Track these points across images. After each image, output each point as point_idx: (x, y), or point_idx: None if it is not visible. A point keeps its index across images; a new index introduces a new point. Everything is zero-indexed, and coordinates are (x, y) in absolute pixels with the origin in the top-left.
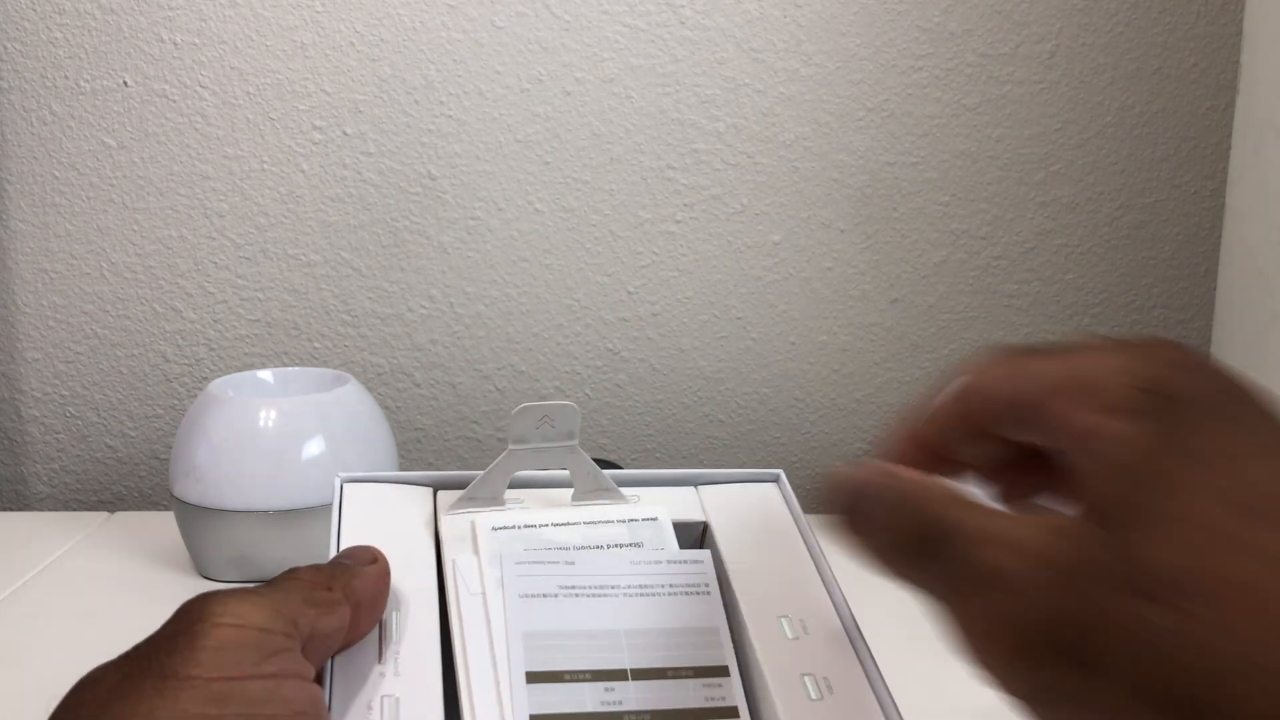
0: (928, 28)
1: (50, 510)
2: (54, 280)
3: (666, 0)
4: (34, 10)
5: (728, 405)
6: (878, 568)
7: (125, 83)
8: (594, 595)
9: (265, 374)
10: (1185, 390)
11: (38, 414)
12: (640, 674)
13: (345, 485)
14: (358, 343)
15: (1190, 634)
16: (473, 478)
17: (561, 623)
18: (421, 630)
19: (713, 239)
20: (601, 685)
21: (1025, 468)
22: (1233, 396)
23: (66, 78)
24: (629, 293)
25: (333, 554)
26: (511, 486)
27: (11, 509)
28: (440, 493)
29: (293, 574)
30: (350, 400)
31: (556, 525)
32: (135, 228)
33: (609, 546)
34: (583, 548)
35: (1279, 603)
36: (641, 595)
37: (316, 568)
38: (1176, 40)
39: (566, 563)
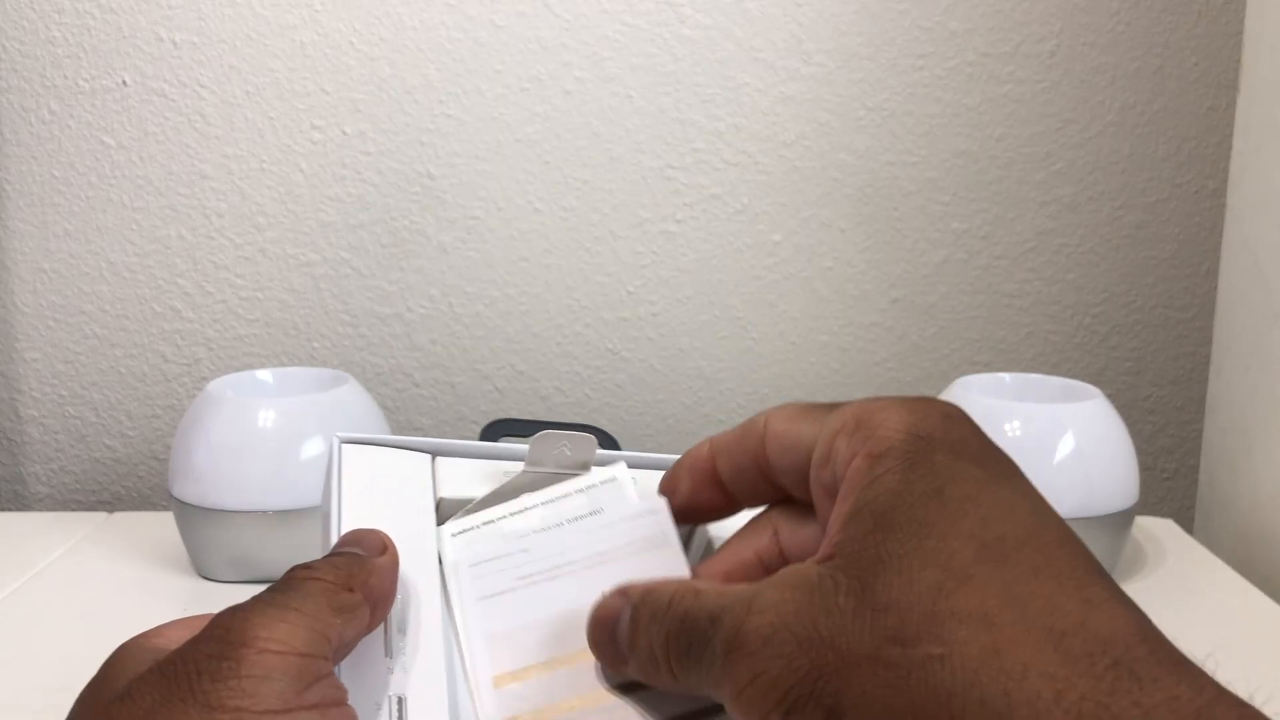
0: (928, 27)
1: (49, 510)
2: (53, 280)
3: None
4: (33, 10)
5: (728, 405)
6: (663, 685)
7: (124, 82)
8: (552, 578)
9: (264, 374)
10: (945, 438)
11: (37, 414)
12: None
13: (344, 447)
14: (357, 343)
15: (932, 674)
16: (469, 443)
17: (522, 616)
18: (425, 619)
19: (713, 239)
20: (563, 672)
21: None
22: (988, 449)
23: (65, 77)
24: (629, 293)
25: (333, 520)
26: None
27: (10, 509)
28: (439, 460)
29: (312, 573)
30: (349, 400)
31: (514, 514)
32: (134, 227)
33: (569, 522)
34: (542, 530)
35: (1015, 638)
36: (600, 563)
37: (334, 564)
38: (1177, 40)
39: (521, 551)
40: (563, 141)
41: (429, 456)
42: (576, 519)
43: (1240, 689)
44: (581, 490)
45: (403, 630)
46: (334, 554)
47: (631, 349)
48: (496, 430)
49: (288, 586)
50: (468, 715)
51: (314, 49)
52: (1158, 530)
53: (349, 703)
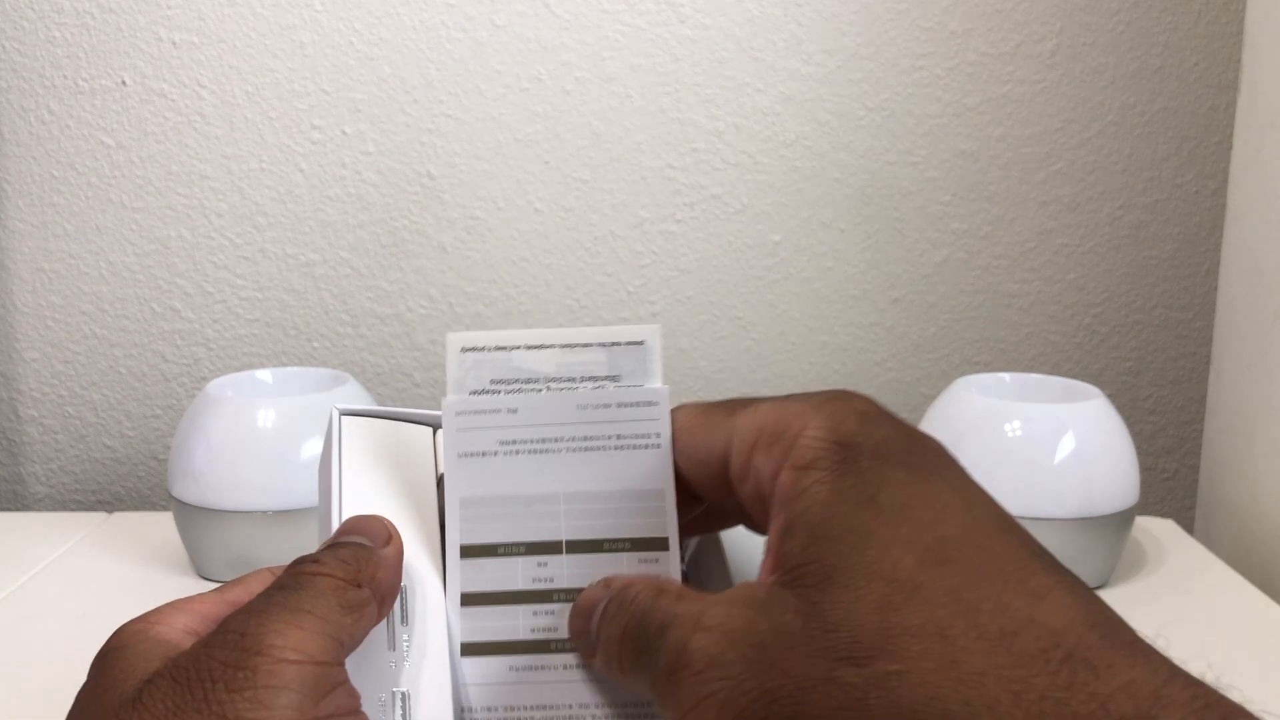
0: (928, 27)
1: (48, 510)
2: (52, 280)
3: None
4: (32, 9)
5: None
6: (620, 684)
7: (123, 82)
8: (535, 452)
9: (264, 374)
10: (868, 441)
11: (36, 414)
12: (575, 546)
13: (344, 419)
14: (357, 343)
15: (891, 691)
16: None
17: (499, 486)
18: (430, 609)
19: (713, 239)
20: (535, 560)
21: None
22: (913, 445)
23: (65, 77)
24: (629, 293)
25: (333, 497)
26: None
27: (10, 509)
28: (439, 432)
29: (320, 568)
30: (349, 400)
31: (529, 348)
32: (134, 227)
33: (581, 380)
34: (547, 382)
35: (969, 646)
36: (585, 449)
37: (341, 558)
38: (1178, 39)
39: (509, 411)
40: (563, 141)
41: (430, 429)
42: (584, 380)
43: (1240, 690)
44: (605, 344)
45: (406, 621)
46: (338, 544)
47: None
48: None
49: (297, 585)
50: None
51: (314, 49)
52: (1158, 530)
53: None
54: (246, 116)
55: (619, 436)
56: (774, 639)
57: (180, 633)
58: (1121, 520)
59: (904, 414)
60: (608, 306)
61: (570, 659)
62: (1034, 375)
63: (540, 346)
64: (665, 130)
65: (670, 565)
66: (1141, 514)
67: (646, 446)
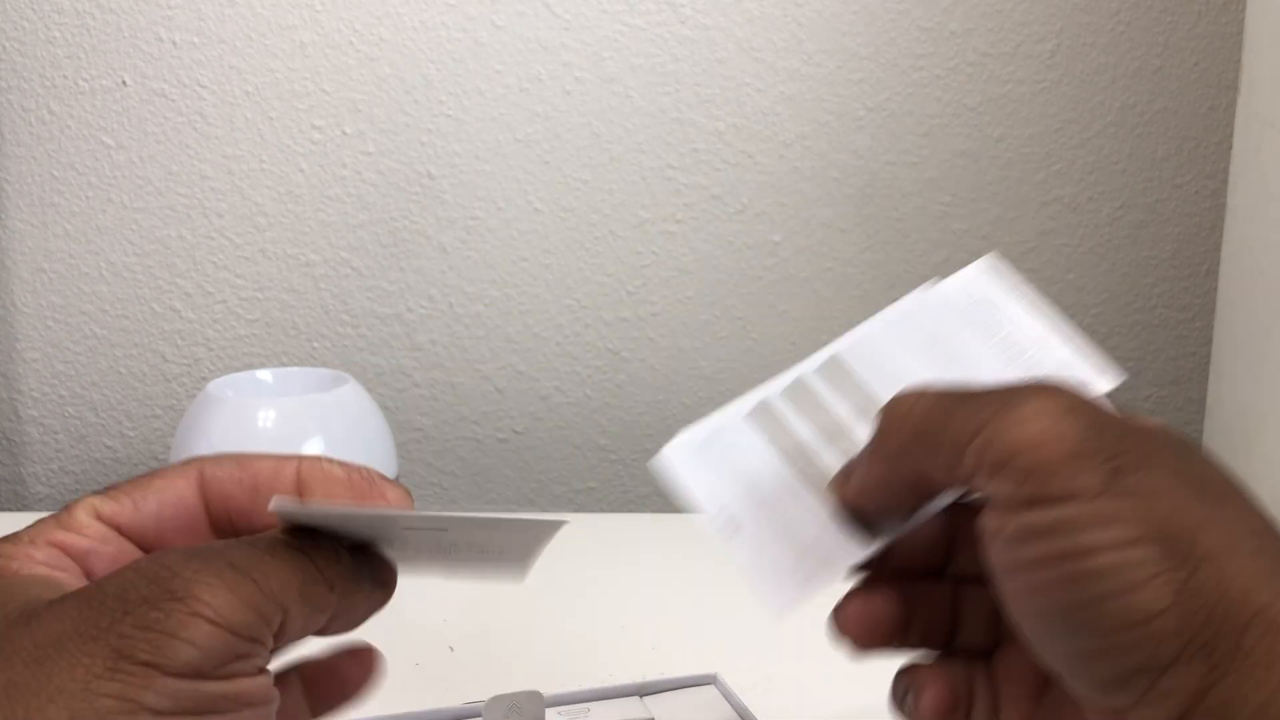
0: (928, 27)
1: (48, 510)
2: (52, 280)
3: None
4: (32, 9)
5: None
6: (881, 453)
7: (124, 82)
8: (947, 360)
9: (264, 374)
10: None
11: (36, 414)
12: None
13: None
14: (357, 343)
15: (1220, 509)
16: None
17: (891, 359)
18: None
19: (713, 239)
20: (861, 402)
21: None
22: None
23: (65, 77)
24: (629, 293)
25: None
26: None
27: (10, 509)
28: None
29: (299, 549)
30: (349, 401)
31: (1027, 310)
32: (134, 227)
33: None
34: (1024, 342)
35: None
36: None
37: (332, 552)
38: (1178, 40)
39: (979, 325)
40: (563, 141)
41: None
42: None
43: None
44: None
45: None
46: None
47: (631, 349)
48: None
49: (269, 550)
50: None
51: (314, 49)
52: None
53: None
54: (246, 116)
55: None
56: (1139, 431)
57: (46, 571)
58: None
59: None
60: (608, 306)
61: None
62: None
63: (1037, 314)
64: (665, 130)
65: None
66: None
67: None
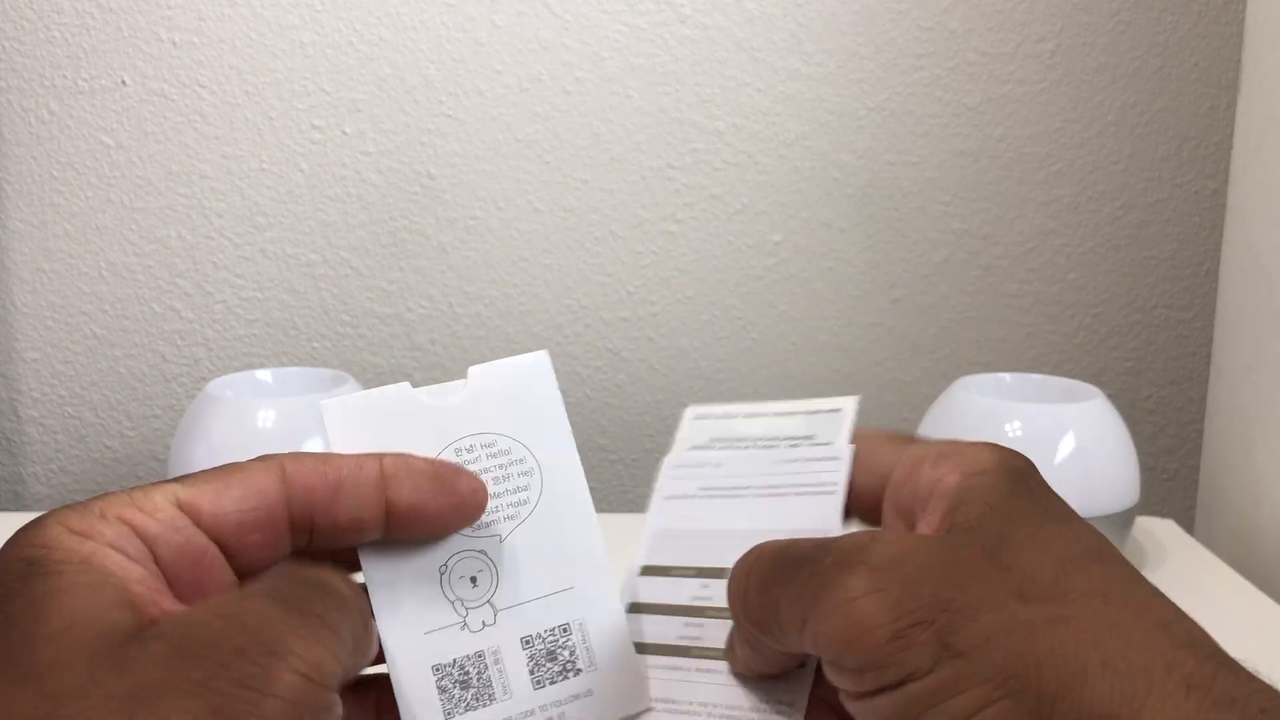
0: (928, 27)
1: (48, 510)
2: (52, 280)
3: None
4: (32, 9)
5: None
6: (744, 624)
7: (123, 82)
8: (728, 496)
9: (264, 374)
10: (1034, 475)
11: (36, 414)
12: None
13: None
14: (356, 343)
15: (1057, 631)
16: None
17: (692, 522)
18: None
19: (713, 239)
20: (699, 581)
21: None
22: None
23: (65, 77)
24: (629, 293)
25: None
26: None
27: (9, 509)
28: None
29: (353, 593)
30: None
31: (747, 416)
32: (133, 227)
33: (782, 440)
34: (754, 443)
35: (1129, 621)
36: (770, 495)
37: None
38: (1178, 39)
39: (714, 465)
40: (563, 141)
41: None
42: (783, 441)
43: None
44: (808, 413)
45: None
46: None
47: (631, 349)
48: None
49: (327, 598)
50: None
51: (314, 49)
52: (1158, 531)
53: None
54: (246, 116)
55: (802, 485)
56: (952, 562)
57: (119, 560)
58: (1122, 521)
59: (904, 414)
60: (607, 306)
61: (706, 664)
62: (1034, 375)
63: (755, 415)
64: (665, 130)
65: None
66: (1142, 514)
67: (822, 494)
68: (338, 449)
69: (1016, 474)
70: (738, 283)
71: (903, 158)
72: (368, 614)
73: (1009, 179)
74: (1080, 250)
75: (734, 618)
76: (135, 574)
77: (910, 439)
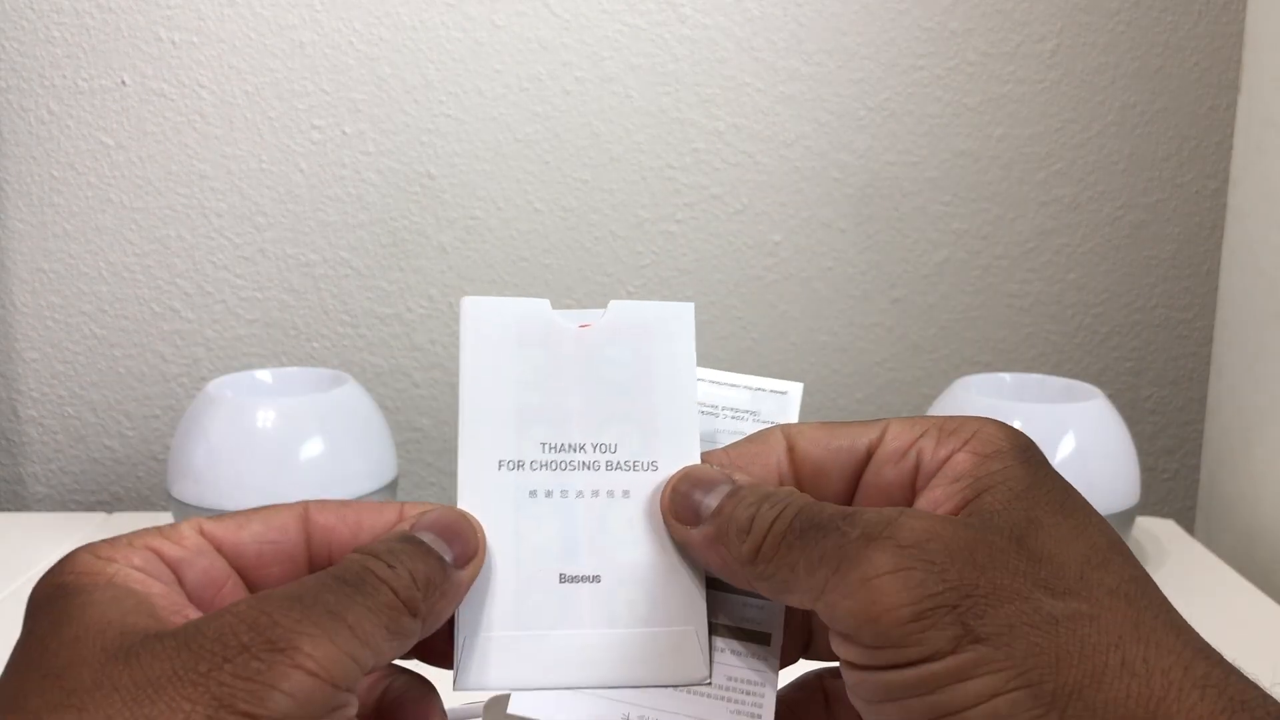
0: (929, 27)
1: (48, 511)
2: (52, 280)
3: None
4: (32, 9)
5: None
6: (729, 559)
7: (123, 82)
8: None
9: (264, 374)
10: (1041, 456)
11: (36, 414)
12: None
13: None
14: (356, 343)
15: (1080, 626)
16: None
17: None
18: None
19: (713, 239)
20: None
21: None
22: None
23: (64, 77)
24: (629, 293)
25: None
26: None
27: (9, 509)
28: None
29: (389, 574)
30: (349, 401)
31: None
32: (133, 227)
33: (722, 409)
34: (704, 405)
35: (1149, 622)
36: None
37: (413, 573)
38: (1178, 39)
39: None
40: (563, 141)
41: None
42: (726, 411)
43: None
44: (754, 389)
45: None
46: (418, 547)
47: None
48: None
49: (355, 589)
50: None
51: (314, 49)
52: (1158, 531)
53: None
54: (246, 116)
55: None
56: (980, 546)
57: (142, 578)
58: (1122, 520)
59: (904, 414)
60: None
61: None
62: (1034, 375)
63: (701, 380)
64: (665, 130)
65: None
66: (1142, 514)
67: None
68: (469, 344)
69: (1032, 456)
70: (738, 283)
71: (903, 158)
72: (407, 606)
73: (1009, 179)
74: (1080, 250)
75: (729, 556)
76: (157, 589)
77: (859, 424)
